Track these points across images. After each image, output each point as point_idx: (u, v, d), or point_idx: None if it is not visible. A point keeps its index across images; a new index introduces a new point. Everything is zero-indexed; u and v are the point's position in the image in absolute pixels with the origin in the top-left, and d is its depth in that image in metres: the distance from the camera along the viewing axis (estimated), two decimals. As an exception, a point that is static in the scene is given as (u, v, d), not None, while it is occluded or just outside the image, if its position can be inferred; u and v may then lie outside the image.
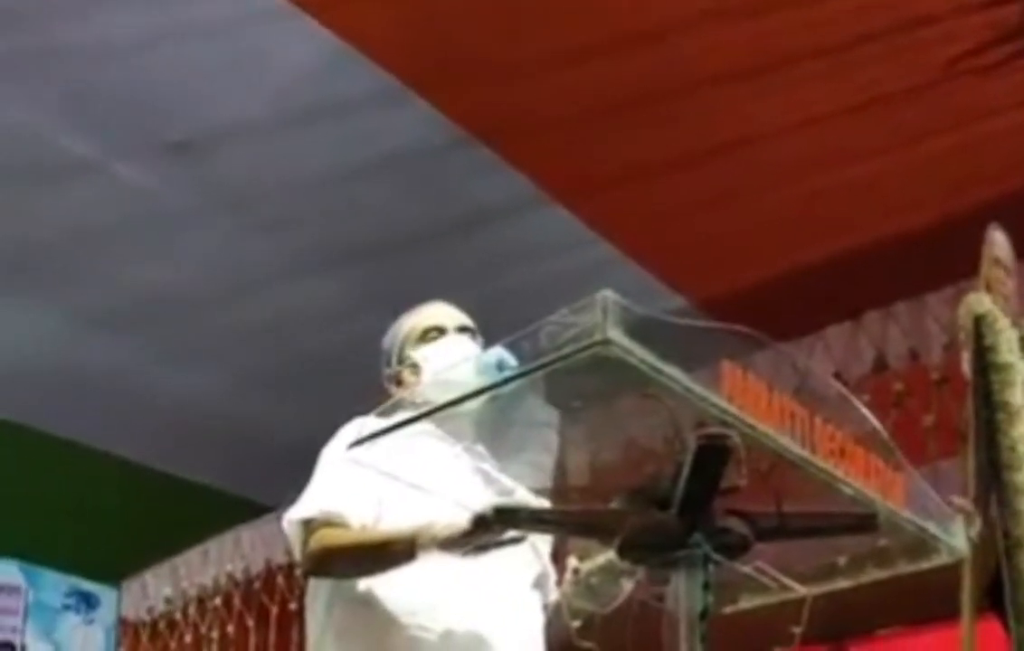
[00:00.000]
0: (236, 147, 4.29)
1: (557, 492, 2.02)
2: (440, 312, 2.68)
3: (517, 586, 2.45)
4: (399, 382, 2.62)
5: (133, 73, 3.98)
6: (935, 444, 4.17)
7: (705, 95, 3.96)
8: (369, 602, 2.34)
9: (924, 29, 3.67)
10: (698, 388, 1.61)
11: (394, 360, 2.66)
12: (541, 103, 4.00)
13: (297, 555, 2.48)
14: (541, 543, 2.49)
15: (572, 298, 1.55)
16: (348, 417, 2.52)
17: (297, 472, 2.56)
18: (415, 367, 2.59)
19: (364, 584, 2.35)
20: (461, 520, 2.06)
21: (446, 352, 2.56)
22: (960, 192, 4.22)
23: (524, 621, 2.45)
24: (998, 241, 2.84)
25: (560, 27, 3.73)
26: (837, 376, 4.42)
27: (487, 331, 2.62)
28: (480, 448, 2.40)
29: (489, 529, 2.02)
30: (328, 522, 2.37)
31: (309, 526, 2.39)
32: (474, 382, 1.92)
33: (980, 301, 2.72)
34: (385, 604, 2.33)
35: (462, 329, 2.64)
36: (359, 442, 1.95)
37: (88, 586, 6.47)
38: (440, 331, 2.63)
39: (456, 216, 4.56)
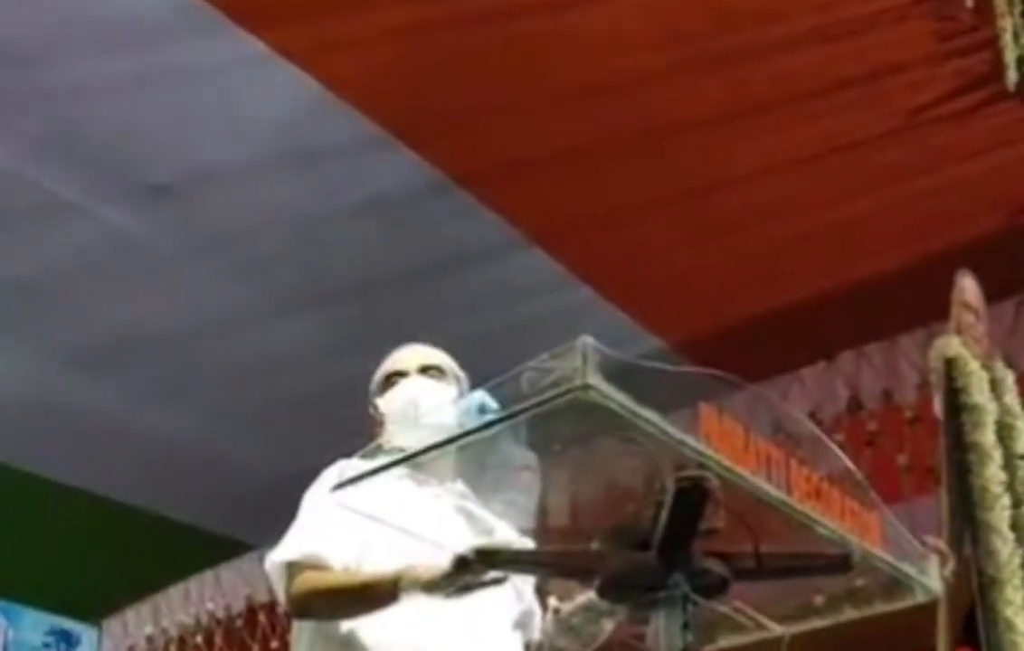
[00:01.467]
0: (218, 190, 4.31)
1: (538, 533, 2.04)
2: (404, 356, 2.69)
3: (499, 626, 2.46)
4: (375, 432, 2.65)
5: (116, 116, 4.00)
6: (909, 483, 4.22)
7: (681, 140, 4.01)
8: (351, 643, 2.35)
9: (894, 78, 3.73)
10: (676, 432, 1.64)
11: (371, 409, 2.69)
12: (519, 148, 4.05)
13: (280, 597, 2.47)
14: (523, 582, 2.51)
15: (550, 340, 1.58)
16: (329, 457, 2.53)
17: (279, 511, 2.57)
18: (380, 415, 2.62)
19: (346, 626, 2.35)
20: (443, 562, 2.08)
21: (402, 396, 2.59)
22: (931, 236, 4.27)
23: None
24: (967, 286, 2.89)
25: (537, 74, 3.78)
26: (812, 416, 4.46)
27: (467, 372, 2.65)
28: (461, 487, 2.42)
29: (471, 570, 2.04)
30: (310, 564, 2.38)
31: (291, 568, 2.39)
32: (454, 426, 1.95)
33: (950, 344, 2.77)
34: (367, 646, 2.33)
35: (424, 369, 2.64)
36: (341, 485, 1.96)
37: (68, 624, 6.42)
38: (401, 375, 2.65)
39: (435, 259, 4.58)
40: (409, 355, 2.69)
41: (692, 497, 1.72)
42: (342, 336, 4.81)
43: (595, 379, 1.53)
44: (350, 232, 4.52)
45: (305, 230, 4.51)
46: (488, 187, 4.28)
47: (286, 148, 4.12)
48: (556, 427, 1.67)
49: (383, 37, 3.63)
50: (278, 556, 2.42)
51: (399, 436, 2.24)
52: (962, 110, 3.84)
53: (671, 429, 1.62)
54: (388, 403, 2.61)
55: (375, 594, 2.25)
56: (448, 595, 2.12)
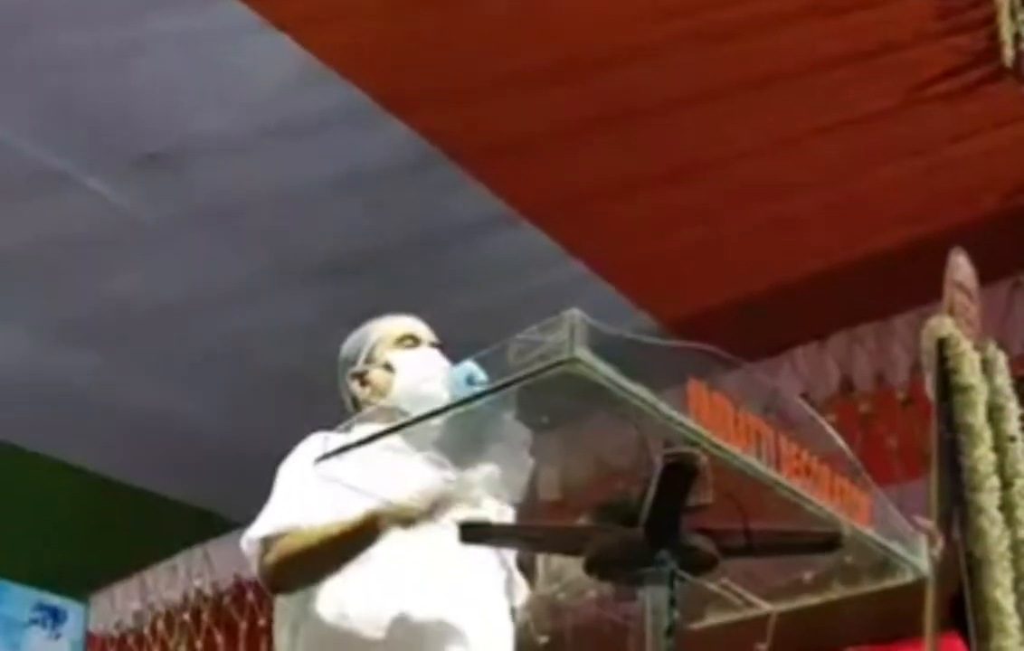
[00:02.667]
0: (210, 161, 4.29)
1: (526, 507, 2.03)
2: (415, 324, 2.70)
3: (486, 595, 2.45)
4: (364, 381, 2.62)
5: (107, 86, 3.98)
6: (900, 465, 4.21)
7: (674, 116, 3.99)
8: (337, 620, 2.32)
9: (890, 55, 3.71)
10: (665, 407, 1.63)
11: (361, 359, 2.65)
12: (511, 122, 4.02)
13: (256, 573, 2.43)
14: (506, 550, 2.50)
15: (542, 315, 1.57)
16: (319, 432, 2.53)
17: (268, 488, 2.56)
18: (388, 367, 2.60)
19: (331, 601, 2.33)
20: (420, 501, 2.09)
21: (421, 361, 2.58)
22: (925, 216, 4.26)
23: (494, 631, 2.46)
24: (960, 266, 2.89)
25: (531, 47, 3.76)
26: (804, 396, 4.46)
27: (457, 348, 2.64)
28: (438, 456, 2.38)
29: (448, 503, 2.04)
30: (286, 536, 2.34)
31: (268, 543, 2.36)
32: (444, 396, 1.94)
33: (943, 325, 2.76)
34: (353, 620, 2.31)
35: (434, 345, 2.66)
36: (326, 457, 1.95)
37: (55, 600, 6.41)
38: (415, 340, 2.66)
39: (427, 233, 4.57)
40: (419, 325, 2.70)
41: (680, 473, 1.71)
42: (333, 311, 4.77)
43: (582, 352, 1.52)
44: (341, 204, 4.50)
45: (296, 202, 4.49)
46: (480, 161, 4.27)
47: (277, 119, 4.09)
48: (544, 400, 1.66)
49: (375, 8, 3.61)
50: (254, 532, 2.39)
51: (404, 402, 2.21)
52: (959, 89, 3.82)
53: (660, 404, 1.61)
54: (404, 362, 2.57)
55: (355, 536, 2.23)
56: (429, 522, 2.09)
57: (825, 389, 4.71)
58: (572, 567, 2.19)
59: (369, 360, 2.65)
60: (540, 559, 2.37)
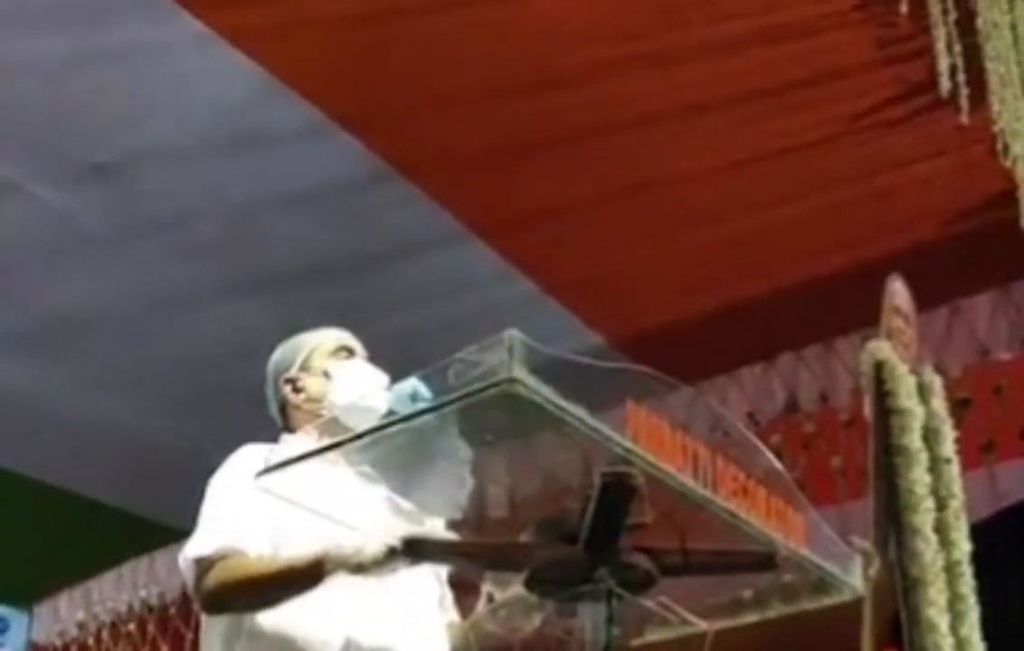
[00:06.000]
0: (157, 172, 4.26)
1: (468, 524, 2.04)
2: (349, 337, 2.71)
3: (426, 612, 2.45)
4: (297, 388, 2.62)
5: (54, 94, 3.95)
6: (843, 485, 4.27)
7: (625, 137, 4.02)
8: (276, 638, 2.29)
9: (834, 83, 3.77)
10: (601, 427, 1.65)
11: (296, 366, 2.64)
12: (463, 139, 4.04)
13: (192, 592, 2.38)
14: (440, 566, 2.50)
15: (492, 333, 1.59)
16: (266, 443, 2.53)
17: (212, 499, 2.54)
18: (326, 375, 2.60)
19: (271, 619, 2.29)
20: (372, 547, 2.06)
21: (360, 373, 2.59)
22: (868, 241, 4.32)
23: (434, 645, 2.47)
24: (898, 291, 2.93)
25: (483, 65, 3.78)
26: (750, 416, 4.52)
27: (406, 364, 2.65)
28: (371, 471, 2.37)
29: (400, 558, 2.04)
30: (224, 557, 2.30)
31: (205, 563, 2.31)
32: (386, 412, 1.96)
33: (880, 348, 2.80)
34: (295, 639, 2.28)
35: (367, 359, 2.67)
36: (267, 470, 1.94)
37: (-2, 609, 6.36)
38: (350, 352, 2.67)
39: (377, 249, 4.56)
40: (352, 339, 2.70)
41: (617, 492, 1.74)
42: (280, 324, 4.76)
43: (520, 373, 1.54)
44: (291, 219, 4.50)
45: (246, 215, 4.47)
46: (432, 178, 4.28)
47: (228, 131, 4.08)
48: (486, 419, 1.68)
49: (328, 23, 3.62)
50: (190, 551, 2.35)
51: (349, 415, 2.20)
52: (899, 117, 3.90)
53: (596, 424, 1.64)
54: (341, 371, 2.57)
55: (299, 577, 2.19)
56: (370, 575, 2.09)
57: (771, 409, 4.77)
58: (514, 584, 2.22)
59: (304, 368, 2.64)
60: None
